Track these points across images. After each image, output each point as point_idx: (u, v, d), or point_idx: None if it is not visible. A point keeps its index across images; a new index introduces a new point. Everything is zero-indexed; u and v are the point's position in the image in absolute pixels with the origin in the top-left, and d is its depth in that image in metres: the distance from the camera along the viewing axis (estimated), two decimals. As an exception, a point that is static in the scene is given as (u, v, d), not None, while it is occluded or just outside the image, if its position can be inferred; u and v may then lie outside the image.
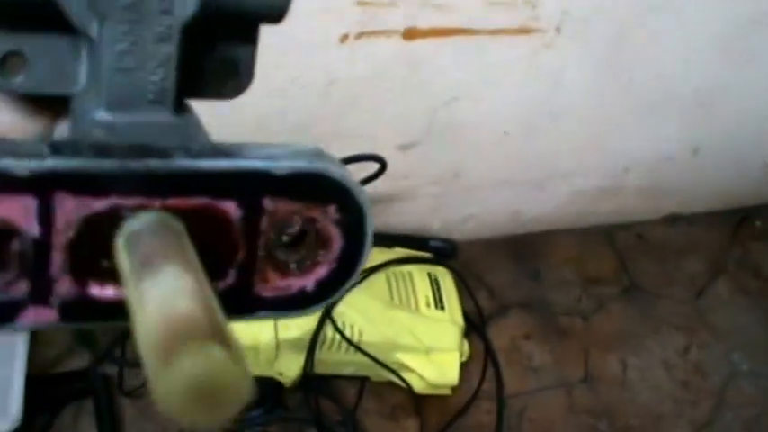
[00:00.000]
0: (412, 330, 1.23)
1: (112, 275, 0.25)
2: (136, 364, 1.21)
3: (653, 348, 1.45)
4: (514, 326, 1.43)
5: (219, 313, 0.21)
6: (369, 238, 0.28)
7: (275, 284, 0.28)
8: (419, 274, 1.31)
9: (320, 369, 1.22)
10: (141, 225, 0.24)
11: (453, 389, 1.29)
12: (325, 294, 0.29)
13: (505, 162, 1.41)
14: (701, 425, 1.36)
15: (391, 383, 1.27)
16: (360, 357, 1.21)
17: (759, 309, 1.54)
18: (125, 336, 1.21)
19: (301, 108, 1.16)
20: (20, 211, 0.24)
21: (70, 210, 0.24)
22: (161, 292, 0.21)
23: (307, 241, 0.28)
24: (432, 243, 1.42)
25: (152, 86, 0.26)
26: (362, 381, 1.29)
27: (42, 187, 0.24)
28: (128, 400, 1.21)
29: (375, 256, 1.28)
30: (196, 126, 0.27)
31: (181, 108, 0.27)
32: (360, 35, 1.09)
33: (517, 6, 1.14)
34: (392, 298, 1.26)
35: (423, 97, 1.22)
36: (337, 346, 1.20)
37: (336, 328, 1.18)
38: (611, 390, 1.38)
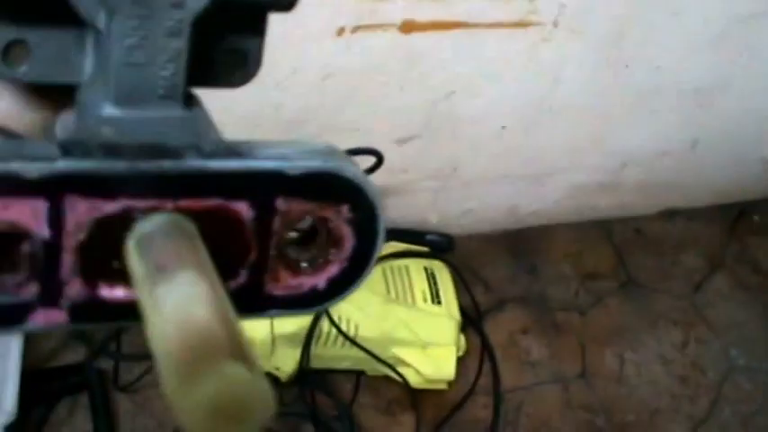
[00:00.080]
0: (408, 325, 1.23)
1: (122, 276, 0.25)
2: (131, 358, 1.21)
3: (650, 343, 1.45)
4: (511, 320, 1.43)
5: (236, 323, 0.21)
6: (381, 237, 0.28)
7: (287, 283, 0.28)
8: (416, 269, 1.31)
9: (316, 364, 1.22)
10: (153, 227, 0.24)
11: (450, 383, 1.29)
12: (336, 292, 0.29)
13: (503, 156, 1.41)
14: (699, 420, 1.36)
15: (387, 378, 1.27)
16: (356, 352, 1.21)
17: (757, 304, 1.54)
18: (120, 331, 1.20)
19: (297, 102, 1.15)
20: (30, 214, 0.23)
21: (81, 212, 0.24)
22: (177, 299, 0.21)
23: (318, 240, 0.28)
24: (428, 237, 1.41)
25: (162, 81, 0.25)
26: (358, 375, 1.28)
27: (52, 190, 0.23)
28: (123, 394, 1.21)
29: (372, 250, 1.28)
30: (206, 121, 0.26)
31: (191, 102, 0.26)
32: (356, 28, 1.08)
33: (515, -1, 1.13)
34: (389, 292, 1.26)
35: (420, 91, 1.22)
36: (333, 340, 1.20)
37: (332, 323, 1.18)
38: (609, 385, 1.38)
